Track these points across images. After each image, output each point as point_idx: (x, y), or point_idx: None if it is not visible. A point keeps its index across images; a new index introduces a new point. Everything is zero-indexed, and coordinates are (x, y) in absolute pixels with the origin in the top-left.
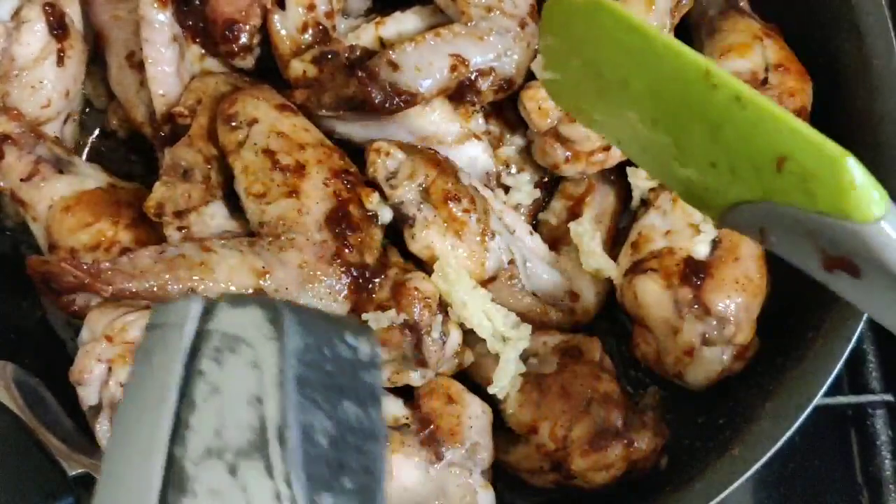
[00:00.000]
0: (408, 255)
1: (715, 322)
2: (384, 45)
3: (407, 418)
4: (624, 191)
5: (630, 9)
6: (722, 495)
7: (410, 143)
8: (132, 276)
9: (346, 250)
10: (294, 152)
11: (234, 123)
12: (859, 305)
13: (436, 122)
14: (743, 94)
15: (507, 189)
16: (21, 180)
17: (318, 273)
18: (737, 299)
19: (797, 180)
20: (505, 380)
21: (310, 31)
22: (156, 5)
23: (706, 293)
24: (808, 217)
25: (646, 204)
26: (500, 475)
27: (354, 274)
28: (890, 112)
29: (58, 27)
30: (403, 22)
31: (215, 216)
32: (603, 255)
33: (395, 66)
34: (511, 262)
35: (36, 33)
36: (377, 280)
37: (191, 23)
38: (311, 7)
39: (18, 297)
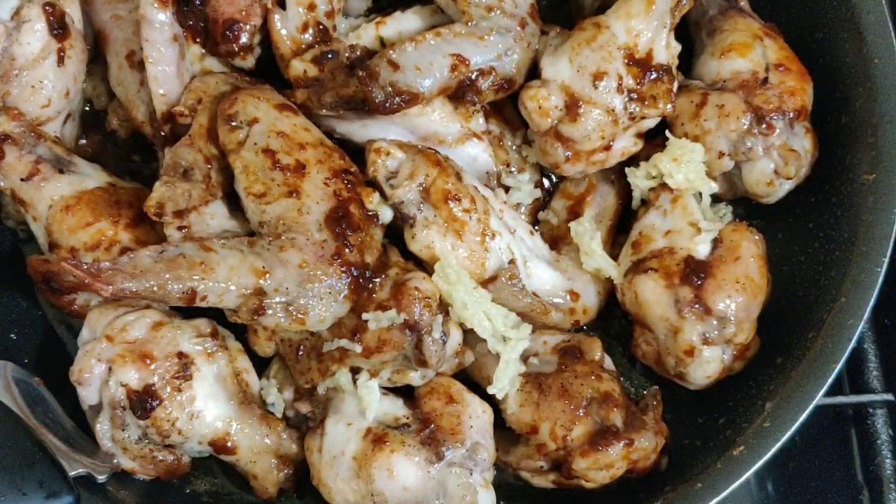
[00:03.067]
0: (408, 255)
1: (715, 322)
2: (385, 44)
3: (407, 418)
4: (624, 191)
5: (630, 9)
6: (722, 495)
7: (411, 143)
8: (132, 276)
9: (347, 250)
10: (294, 152)
11: (234, 123)
12: None
13: (436, 121)
14: None
15: (507, 189)
16: (21, 180)
17: (319, 273)
18: (737, 299)
19: None
20: (505, 380)
21: (310, 31)
22: (156, 5)
23: (707, 293)
24: None
25: (646, 204)
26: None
27: (355, 273)
28: (890, 112)
29: (58, 27)
30: (404, 22)
31: (215, 216)
32: (603, 254)
33: (395, 65)
34: (511, 261)
35: (36, 33)
36: (378, 280)
37: (191, 22)
38: (312, 7)
39: (18, 297)
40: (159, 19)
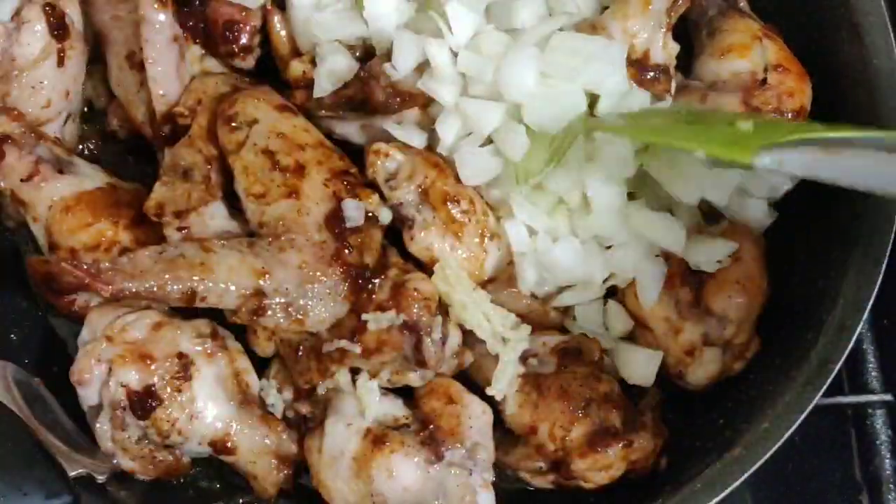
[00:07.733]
0: (408, 256)
1: (716, 322)
2: None
3: (407, 418)
4: None
5: (627, 9)
6: (722, 495)
7: (410, 146)
8: (132, 276)
9: (346, 251)
10: (294, 153)
11: (234, 124)
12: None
13: None
14: None
15: None
16: (21, 180)
17: (318, 273)
18: (737, 299)
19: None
20: (504, 382)
21: None
22: (156, 6)
23: (707, 293)
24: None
25: None
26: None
27: (354, 275)
28: (890, 112)
29: (58, 28)
30: None
31: (215, 216)
32: None
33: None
34: (510, 262)
35: (36, 34)
36: (377, 281)
37: (191, 23)
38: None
39: (18, 297)
40: (159, 20)
